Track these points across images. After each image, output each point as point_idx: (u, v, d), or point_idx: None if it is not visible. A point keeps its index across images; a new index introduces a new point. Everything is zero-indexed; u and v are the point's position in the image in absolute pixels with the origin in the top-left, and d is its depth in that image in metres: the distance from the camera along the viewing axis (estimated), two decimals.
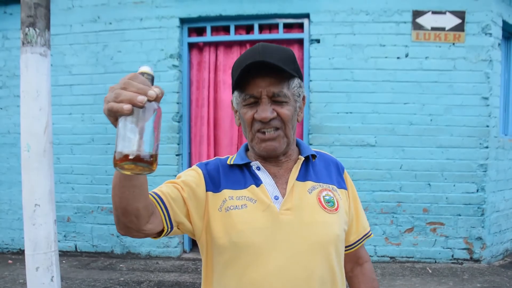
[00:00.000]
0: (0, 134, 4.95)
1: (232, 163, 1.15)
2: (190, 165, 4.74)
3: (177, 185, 1.06)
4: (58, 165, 4.68)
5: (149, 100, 0.71)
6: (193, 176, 1.10)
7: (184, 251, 4.75)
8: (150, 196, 0.97)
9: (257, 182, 1.10)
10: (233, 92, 1.14)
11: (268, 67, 1.02)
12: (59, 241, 4.66)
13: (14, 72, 4.81)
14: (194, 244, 4.89)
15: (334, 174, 1.21)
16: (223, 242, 1.04)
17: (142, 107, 0.70)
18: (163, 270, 4.21)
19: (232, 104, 1.19)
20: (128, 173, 0.75)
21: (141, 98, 0.69)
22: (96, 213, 4.73)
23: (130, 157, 0.71)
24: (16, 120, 4.76)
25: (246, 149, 1.23)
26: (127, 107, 0.69)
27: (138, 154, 0.71)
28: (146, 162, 0.72)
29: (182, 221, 1.04)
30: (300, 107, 1.15)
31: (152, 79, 0.79)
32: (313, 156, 1.19)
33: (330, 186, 1.16)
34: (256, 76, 1.04)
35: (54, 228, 2.48)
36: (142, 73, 0.77)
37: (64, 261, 4.50)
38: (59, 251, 4.51)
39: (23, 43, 2.42)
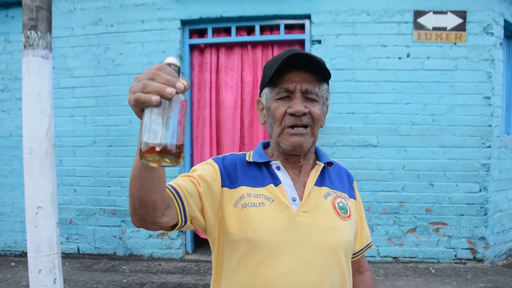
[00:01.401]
0: (2, 137, 4.96)
1: (251, 160, 1.15)
2: (191, 167, 4.73)
3: (194, 179, 1.05)
4: (60, 168, 4.68)
5: (176, 92, 0.70)
6: (210, 170, 1.10)
7: (187, 253, 4.75)
8: (166, 189, 0.96)
9: (276, 181, 1.11)
10: (262, 90, 1.16)
11: (303, 66, 1.05)
12: (61, 243, 4.67)
13: (16, 75, 4.82)
14: (196, 246, 4.89)
15: (346, 183, 1.25)
16: (237, 238, 1.04)
17: (170, 99, 0.69)
18: (165, 271, 4.21)
19: (258, 103, 1.21)
20: (155, 165, 0.73)
21: (170, 90, 0.68)
22: (98, 215, 4.73)
23: (157, 149, 0.70)
24: (18, 122, 4.77)
25: (264, 147, 1.24)
26: (155, 98, 0.67)
27: (164, 146, 0.70)
28: (173, 155, 0.71)
29: (196, 216, 1.03)
30: (325, 112, 1.17)
31: (178, 70, 0.77)
32: (329, 163, 1.21)
33: (343, 194, 1.19)
34: (290, 71, 1.07)
35: (57, 231, 2.48)
36: (169, 64, 0.75)
37: (66, 263, 4.50)
38: (62, 253, 4.52)
39: (25, 46, 2.43)
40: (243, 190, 1.09)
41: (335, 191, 1.17)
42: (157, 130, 0.70)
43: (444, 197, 4.30)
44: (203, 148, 4.68)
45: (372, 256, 4.36)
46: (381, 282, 3.79)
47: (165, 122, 0.70)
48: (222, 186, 1.09)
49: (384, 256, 4.38)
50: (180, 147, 0.72)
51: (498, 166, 4.40)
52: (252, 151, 1.21)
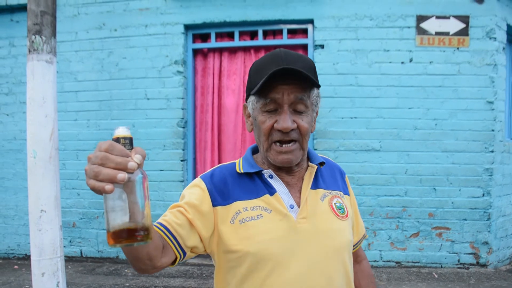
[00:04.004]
0: (6, 140, 4.99)
1: (242, 171, 1.11)
2: (194, 171, 4.75)
3: (181, 209, 1.04)
4: (64, 171, 4.70)
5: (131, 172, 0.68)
6: (197, 193, 1.08)
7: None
8: (156, 228, 0.97)
9: (271, 191, 1.09)
10: (247, 97, 1.11)
11: (291, 74, 0.99)
12: (64, 246, 4.67)
13: (21, 79, 4.85)
14: None
15: (339, 180, 1.23)
16: (240, 254, 1.02)
17: (123, 183, 0.68)
18: (168, 275, 4.21)
19: (244, 108, 1.15)
20: (125, 246, 0.72)
21: (121, 176, 0.66)
22: (101, 218, 4.74)
23: (123, 235, 0.70)
24: (22, 126, 4.80)
25: (253, 153, 1.21)
26: (109, 187, 0.66)
27: (130, 230, 0.70)
28: (140, 236, 0.71)
29: (193, 244, 1.04)
30: (315, 117, 1.14)
31: (130, 142, 0.73)
32: (321, 163, 1.18)
33: (338, 192, 1.17)
34: (278, 82, 1.00)
35: (60, 234, 2.49)
36: (118, 139, 0.71)
37: (69, 267, 4.51)
38: (65, 256, 4.52)
39: (29, 51, 2.45)
40: (238, 205, 1.06)
41: (330, 191, 1.15)
42: (120, 215, 0.70)
43: (447, 201, 4.29)
44: (205, 152, 4.69)
45: (375, 261, 4.35)
46: (384, 286, 3.78)
47: (126, 204, 0.70)
48: (214, 205, 1.07)
49: (387, 261, 4.36)
50: (146, 227, 0.72)
51: (501, 170, 4.39)
52: (241, 159, 1.17)
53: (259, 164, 1.16)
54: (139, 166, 0.71)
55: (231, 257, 1.05)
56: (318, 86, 1.07)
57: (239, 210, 1.05)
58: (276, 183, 1.10)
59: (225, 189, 1.09)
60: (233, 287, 1.06)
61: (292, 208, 1.07)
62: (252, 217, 1.04)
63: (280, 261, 1.01)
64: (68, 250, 4.79)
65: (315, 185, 1.14)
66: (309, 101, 1.05)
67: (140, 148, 0.73)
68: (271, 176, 1.11)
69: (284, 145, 1.05)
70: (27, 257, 4.90)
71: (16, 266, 4.64)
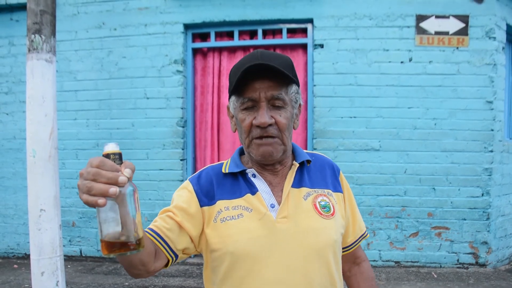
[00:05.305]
0: (6, 139, 4.98)
1: (227, 171, 1.14)
2: (194, 170, 4.75)
3: (170, 213, 1.07)
4: (63, 170, 4.70)
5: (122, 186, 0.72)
6: (185, 195, 1.11)
7: (189, 256, 4.75)
8: (147, 234, 1.01)
9: (253, 190, 1.10)
10: (229, 97, 1.13)
11: (267, 71, 1.01)
12: (64, 245, 4.67)
13: (20, 78, 4.85)
14: None
15: (330, 177, 1.21)
16: (220, 253, 1.05)
17: (115, 197, 0.71)
18: (167, 274, 4.21)
19: (228, 109, 1.17)
20: (117, 255, 0.76)
21: (113, 191, 0.70)
22: None
23: (117, 245, 0.74)
24: (22, 125, 4.80)
25: (240, 154, 1.22)
26: (101, 201, 0.69)
27: (123, 241, 0.74)
28: (133, 246, 0.75)
29: (185, 246, 1.07)
30: (297, 114, 1.14)
31: (120, 157, 0.77)
32: (308, 161, 1.18)
33: (326, 191, 1.15)
34: (254, 79, 1.03)
35: (59, 233, 2.49)
36: (108, 154, 0.75)
37: (69, 266, 4.51)
38: (64, 255, 4.52)
39: (29, 50, 2.45)
40: (221, 204, 1.08)
41: (315, 189, 1.13)
42: (112, 226, 0.74)
43: (446, 201, 4.29)
44: (205, 151, 4.69)
45: (374, 260, 4.35)
46: (383, 286, 3.78)
47: (118, 216, 0.74)
48: (202, 206, 1.10)
49: (386, 261, 4.37)
50: (138, 238, 0.76)
51: (501, 170, 4.39)
52: (229, 160, 1.19)
53: (244, 164, 1.17)
54: (129, 179, 0.74)
55: (214, 256, 1.07)
56: (295, 82, 1.09)
57: (220, 209, 1.08)
58: (258, 182, 1.12)
59: (211, 190, 1.12)
60: (216, 286, 1.09)
61: (272, 207, 1.07)
62: (232, 216, 1.06)
63: (257, 261, 1.02)
64: (67, 249, 4.79)
65: (299, 183, 1.13)
66: (287, 97, 1.07)
67: (129, 162, 0.77)
68: (254, 176, 1.12)
69: (264, 139, 1.06)
70: (26, 256, 4.90)
71: (15, 265, 4.64)
